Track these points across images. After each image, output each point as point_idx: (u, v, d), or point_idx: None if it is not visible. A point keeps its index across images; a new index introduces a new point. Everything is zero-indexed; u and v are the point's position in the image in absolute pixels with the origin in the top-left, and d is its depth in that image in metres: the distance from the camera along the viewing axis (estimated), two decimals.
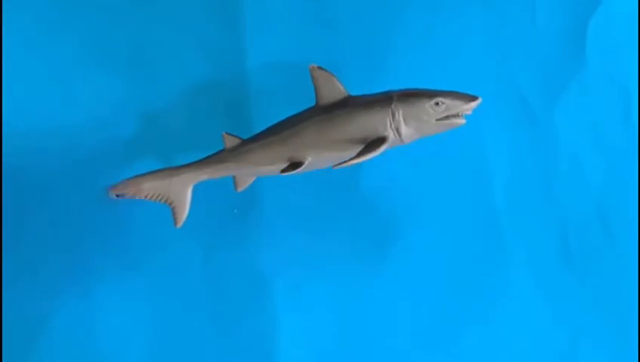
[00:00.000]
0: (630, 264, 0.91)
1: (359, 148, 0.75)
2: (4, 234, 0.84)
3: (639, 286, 0.90)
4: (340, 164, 0.75)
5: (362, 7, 0.93)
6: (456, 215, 0.90)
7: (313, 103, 0.80)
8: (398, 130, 0.75)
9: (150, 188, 0.80)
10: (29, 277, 0.84)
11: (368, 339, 0.88)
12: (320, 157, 0.77)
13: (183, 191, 0.80)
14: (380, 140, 0.75)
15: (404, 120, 0.75)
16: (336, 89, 0.78)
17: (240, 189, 0.82)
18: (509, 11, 0.94)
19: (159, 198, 0.81)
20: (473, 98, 0.76)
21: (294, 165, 0.77)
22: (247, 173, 0.81)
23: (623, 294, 0.91)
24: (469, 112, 0.77)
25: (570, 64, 0.94)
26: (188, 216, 0.86)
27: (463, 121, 0.76)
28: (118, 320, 0.85)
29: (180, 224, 0.81)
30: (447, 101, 0.75)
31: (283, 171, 0.77)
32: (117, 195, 0.81)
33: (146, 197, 0.81)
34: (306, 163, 0.77)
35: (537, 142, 0.93)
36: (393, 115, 0.74)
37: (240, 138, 0.80)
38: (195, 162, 0.80)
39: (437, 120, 0.75)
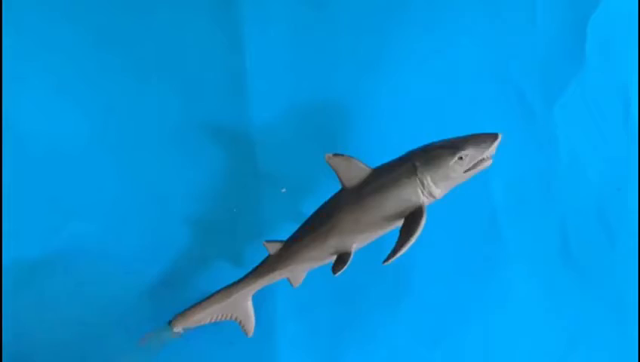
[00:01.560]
0: (630, 263, 0.91)
1: (399, 222, 0.75)
2: None
3: (639, 285, 0.91)
4: (389, 258, 0.73)
5: (362, 7, 0.93)
6: (457, 214, 0.90)
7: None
8: (430, 194, 0.74)
9: (212, 312, 0.80)
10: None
11: (368, 339, 0.88)
12: (363, 241, 0.77)
13: (245, 305, 0.80)
14: (418, 214, 0.74)
15: (433, 183, 0.74)
16: (358, 169, 0.76)
17: (296, 285, 0.80)
18: (509, 11, 0.94)
19: (223, 318, 0.80)
20: (493, 138, 0.74)
21: (343, 259, 0.76)
22: (298, 272, 0.80)
23: (622, 293, 0.91)
24: (494, 152, 0.75)
25: (570, 64, 0.94)
26: (187, 220, 0.86)
27: (490, 162, 0.75)
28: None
29: (250, 334, 0.81)
30: (470, 152, 0.73)
31: (335, 271, 0.76)
32: (183, 330, 0.80)
33: (210, 321, 0.80)
34: (353, 251, 0.76)
35: (537, 141, 0.93)
36: (422, 184, 0.74)
37: (280, 242, 0.79)
38: (248, 276, 0.80)
39: (465, 171, 0.75)
